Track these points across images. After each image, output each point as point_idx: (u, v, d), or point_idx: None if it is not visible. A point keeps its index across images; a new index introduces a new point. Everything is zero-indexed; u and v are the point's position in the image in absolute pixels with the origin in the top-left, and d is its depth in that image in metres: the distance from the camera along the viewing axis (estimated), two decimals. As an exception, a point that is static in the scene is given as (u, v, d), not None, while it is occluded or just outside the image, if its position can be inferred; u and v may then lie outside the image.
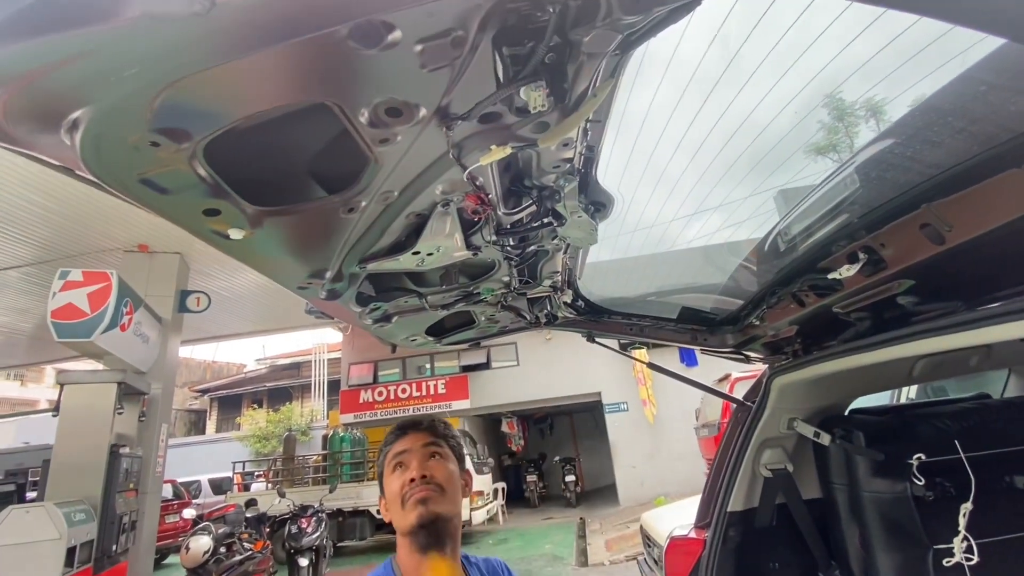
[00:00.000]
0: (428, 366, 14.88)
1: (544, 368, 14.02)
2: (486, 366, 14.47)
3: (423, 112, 0.78)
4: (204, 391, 25.02)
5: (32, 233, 7.91)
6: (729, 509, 2.05)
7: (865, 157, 1.28)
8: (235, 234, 0.88)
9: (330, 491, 8.71)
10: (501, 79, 0.73)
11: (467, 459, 8.09)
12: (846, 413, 2.21)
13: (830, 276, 1.46)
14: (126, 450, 6.80)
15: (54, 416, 6.57)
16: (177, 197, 0.76)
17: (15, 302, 10.40)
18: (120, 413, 6.78)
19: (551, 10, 0.61)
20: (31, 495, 7.35)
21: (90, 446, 6.37)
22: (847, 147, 1.49)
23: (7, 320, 11.21)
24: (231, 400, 24.45)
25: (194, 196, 0.77)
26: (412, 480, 1.06)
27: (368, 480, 11.10)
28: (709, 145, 1.97)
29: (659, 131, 1.78)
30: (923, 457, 1.83)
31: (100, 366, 7.16)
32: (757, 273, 1.90)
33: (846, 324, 1.64)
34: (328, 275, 1.21)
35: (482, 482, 10.80)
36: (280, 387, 23.56)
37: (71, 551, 5.44)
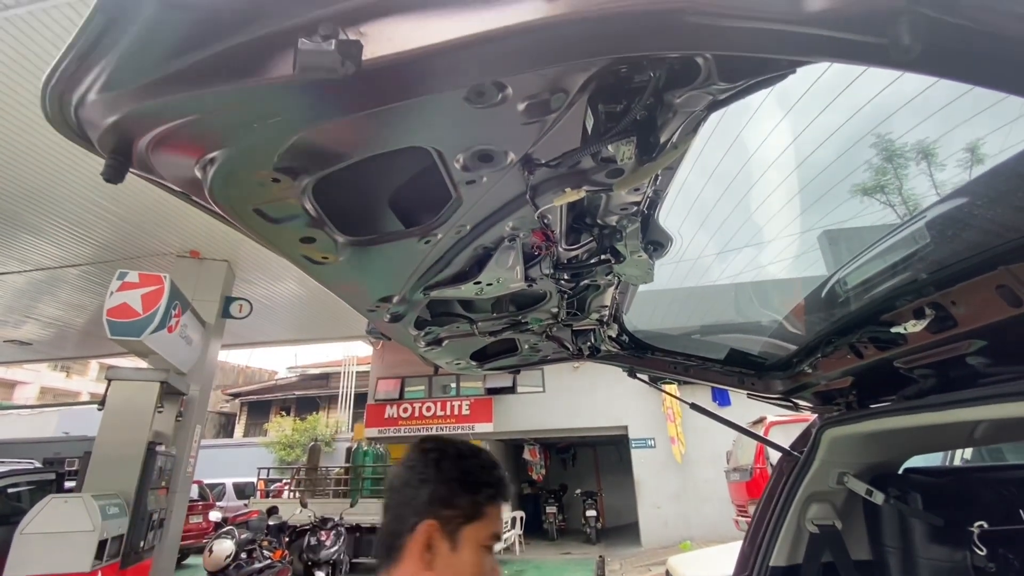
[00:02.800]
0: (453, 385, 14.91)
1: (570, 396, 13.85)
2: (511, 390, 14.39)
3: (511, 158, 0.83)
4: (236, 395, 25.68)
5: (95, 234, 8.42)
6: (772, 564, 1.97)
7: (937, 213, 1.26)
8: (324, 260, 0.94)
9: (351, 505, 8.74)
10: (590, 131, 0.77)
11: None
12: (900, 471, 2.12)
13: (893, 330, 1.42)
14: (162, 448, 7.02)
15: (99, 410, 6.85)
16: (282, 226, 0.82)
17: (71, 298, 11.02)
18: (160, 411, 7.03)
19: (651, 75, 0.65)
20: (69, 484, 7.63)
21: (129, 442, 6.61)
22: (914, 201, 1.48)
23: (62, 314, 11.87)
24: (260, 406, 24.99)
25: (297, 225, 0.83)
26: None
27: (388, 497, 11.07)
28: (766, 181, 1.97)
29: (715, 166, 1.80)
30: (985, 525, 1.73)
31: (144, 364, 7.48)
32: (812, 319, 1.87)
33: (907, 380, 1.59)
34: (395, 299, 1.26)
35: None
36: (308, 396, 23.96)
37: (102, 544, 5.60)
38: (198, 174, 0.71)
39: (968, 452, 3.70)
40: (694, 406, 2.31)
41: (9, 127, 5.95)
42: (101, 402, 6.89)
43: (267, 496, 13.55)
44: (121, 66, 0.55)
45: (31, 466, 8.77)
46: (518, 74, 0.59)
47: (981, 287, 1.14)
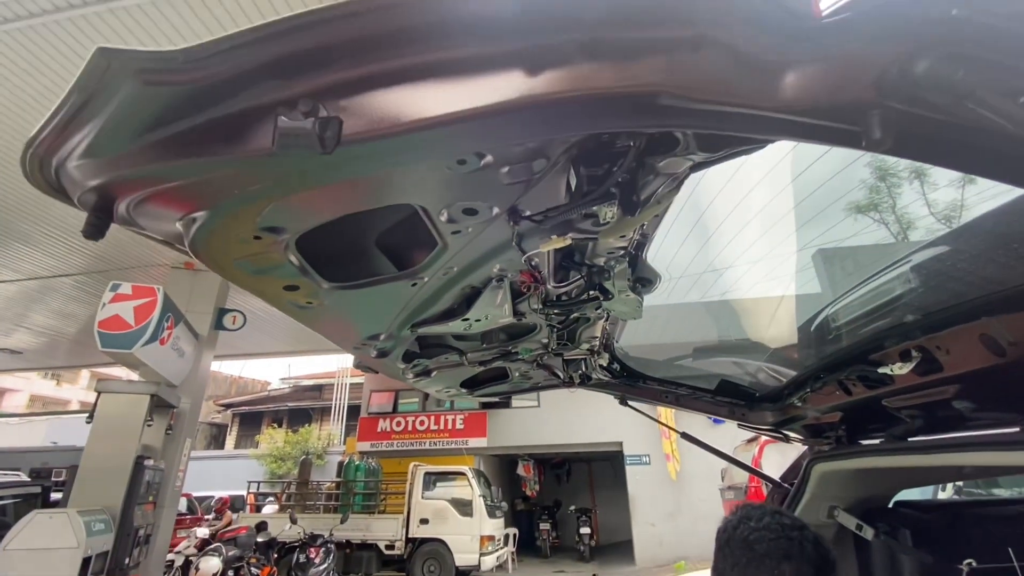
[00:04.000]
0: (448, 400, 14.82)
1: (565, 412, 13.77)
2: (506, 404, 14.31)
3: (496, 211, 0.83)
4: (228, 405, 25.42)
5: (89, 244, 8.38)
6: (762, 599, 1.94)
7: (924, 258, 1.28)
8: (309, 304, 0.94)
9: (341, 521, 8.63)
10: (573, 189, 0.78)
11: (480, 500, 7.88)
12: (891, 505, 2.11)
13: (880, 370, 1.43)
14: (150, 462, 6.92)
15: (88, 422, 6.77)
16: (265, 276, 0.82)
17: (64, 307, 10.93)
18: (150, 424, 6.94)
19: (632, 144, 0.65)
20: (56, 496, 7.50)
21: (117, 455, 6.51)
22: (901, 243, 1.49)
23: (54, 323, 11.76)
24: (252, 417, 24.72)
25: (279, 275, 0.83)
26: None
27: (380, 513, 10.94)
28: (761, 215, 1.98)
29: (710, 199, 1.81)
30: (974, 563, 1.72)
31: (135, 376, 7.40)
32: (802, 354, 1.87)
33: (895, 419, 1.59)
34: (382, 337, 1.26)
35: (493, 526, 10.51)
36: (301, 408, 23.72)
37: (86, 561, 5.49)
38: (180, 229, 0.71)
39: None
40: (684, 435, 2.30)
41: (1, 135, 5.95)
42: (90, 415, 6.80)
43: (258, 510, 13.35)
44: (101, 136, 0.55)
45: (16, 478, 8.63)
46: (498, 148, 0.59)
47: (966, 334, 1.14)
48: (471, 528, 10.01)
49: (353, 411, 18.97)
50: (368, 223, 0.91)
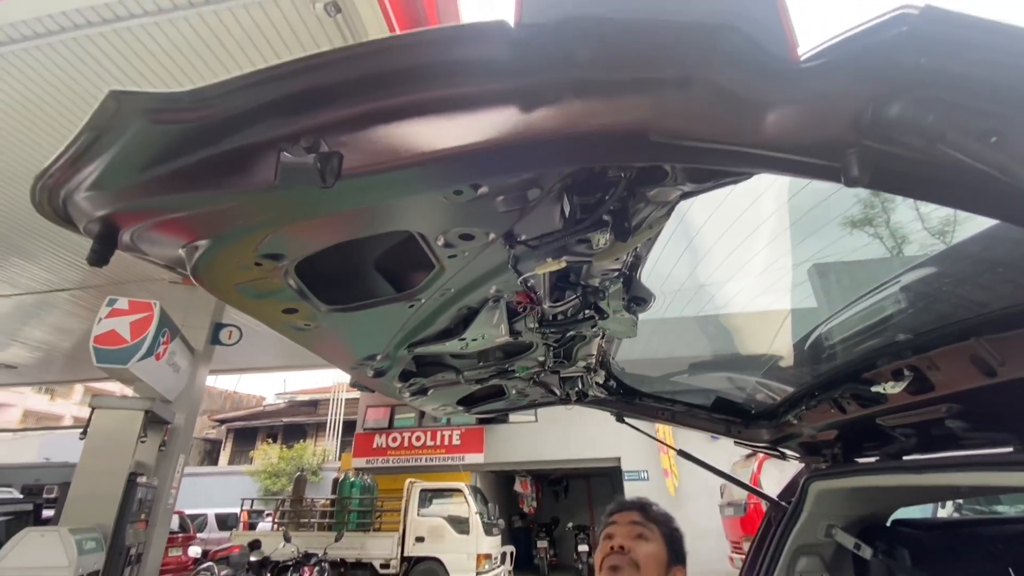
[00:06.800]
0: (445, 415, 14.70)
1: (563, 427, 13.69)
2: (504, 420, 14.22)
3: (492, 236, 0.85)
4: (222, 421, 25.18)
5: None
6: (761, 620, 1.93)
7: (915, 277, 1.30)
8: (307, 326, 0.95)
9: (336, 539, 8.51)
10: (567, 216, 0.80)
11: (476, 517, 7.71)
12: (889, 523, 2.10)
13: (873, 389, 1.44)
14: (143, 479, 6.85)
15: (82, 438, 6.70)
16: (264, 300, 0.84)
17: (59, 322, 10.89)
18: (143, 441, 6.89)
19: (623, 175, 0.67)
20: (48, 513, 7.40)
21: (110, 472, 6.45)
22: (895, 260, 1.51)
23: (49, 338, 11.70)
24: (247, 432, 24.48)
25: (279, 299, 0.85)
26: (611, 549, 1.17)
27: (375, 531, 10.79)
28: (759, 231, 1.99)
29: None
30: (974, 584, 1.71)
31: (130, 391, 7.36)
32: (796, 372, 1.88)
33: (890, 438, 1.60)
34: (379, 357, 1.27)
35: (490, 544, 10.37)
36: (296, 423, 23.52)
37: (77, 580, 5.41)
38: (183, 255, 0.72)
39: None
40: (681, 452, 2.30)
41: None
42: (84, 430, 6.74)
43: (251, 528, 13.15)
44: (109, 170, 0.57)
45: (8, 495, 8.51)
46: (493, 179, 0.61)
47: (955, 354, 1.16)
48: (468, 546, 9.88)
49: (349, 426, 18.83)
50: (366, 247, 0.93)
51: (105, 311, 6.63)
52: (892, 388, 1.37)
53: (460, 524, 10.16)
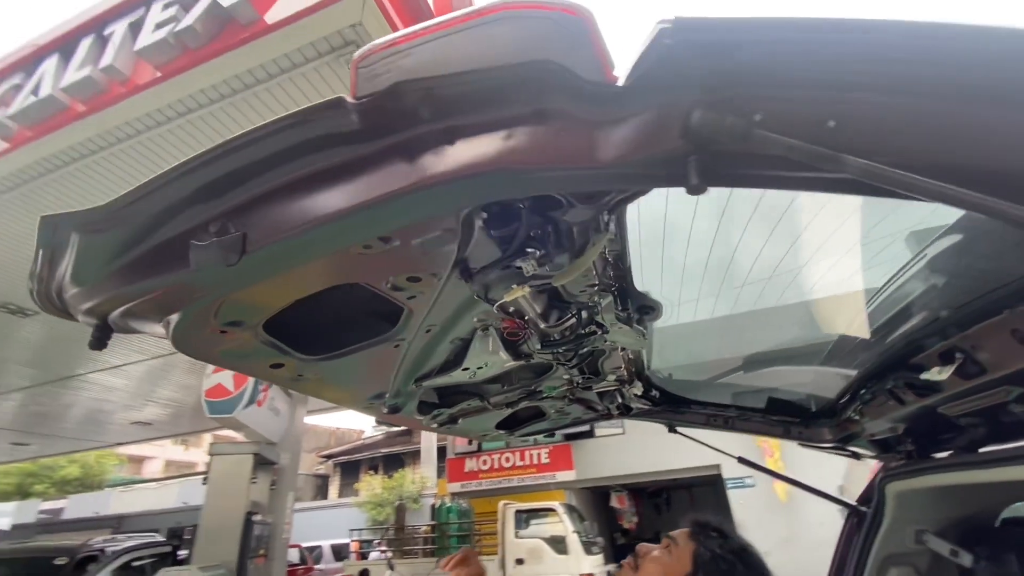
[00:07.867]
0: (531, 434, 14.69)
1: (652, 437, 13.13)
2: (589, 435, 13.96)
3: (441, 274, 0.88)
4: (328, 456, 26.91)
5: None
6: (849, 641, 1.74)
7: (939, 249, 1.16)
8: (300, 377, 1.03)
9: (436, 565, 8.73)
10: (499, 247, 0.82)
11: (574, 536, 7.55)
12: (998, 523, 1.82)
13: (923, 376, 1.29)
14: (258, 517, 7.48)
15: (204, 484, 7.48)
16: (250, 359, 0.93)
17: (182, 380, 12.29)
18: (255, 482, 7.55)
19: (520, 205, 0.69)
20: (182, 553, 8.27)
21: (230, 513, 7.12)
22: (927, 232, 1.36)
23: (176, 396, 13.22)
24: (351, 465, 25.96)
25: (262, 357, 0.93)
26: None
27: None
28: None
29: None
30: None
31: (242, 437, 8.13)
32: (846, 361, 1.72)
33: (959, 428, 1.41)
34: (387, 395, 1.34)
35: (592, 563, 10.13)
36: (394, 453, 24.58)
37: (209, 615, 5.99)
38: (162, 330, 0.83)
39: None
40: (741, 459, 2.16)
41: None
42: (205, 476, 7.52)
43: (363, 557, 13.82)
44: (77, 271, 0.68)
45: (152, 538, 9.63)
46: (392, 230, 0.65)
47: (996, 330, 1.02)
48: (568, 566, 9.72)
49: (443, 452, 19.35)
50: (334, 298, 1.00)
51: (211, 367, 7.41)
52: (941, 373, 1.22)
53: (558, 544, 10.03)
